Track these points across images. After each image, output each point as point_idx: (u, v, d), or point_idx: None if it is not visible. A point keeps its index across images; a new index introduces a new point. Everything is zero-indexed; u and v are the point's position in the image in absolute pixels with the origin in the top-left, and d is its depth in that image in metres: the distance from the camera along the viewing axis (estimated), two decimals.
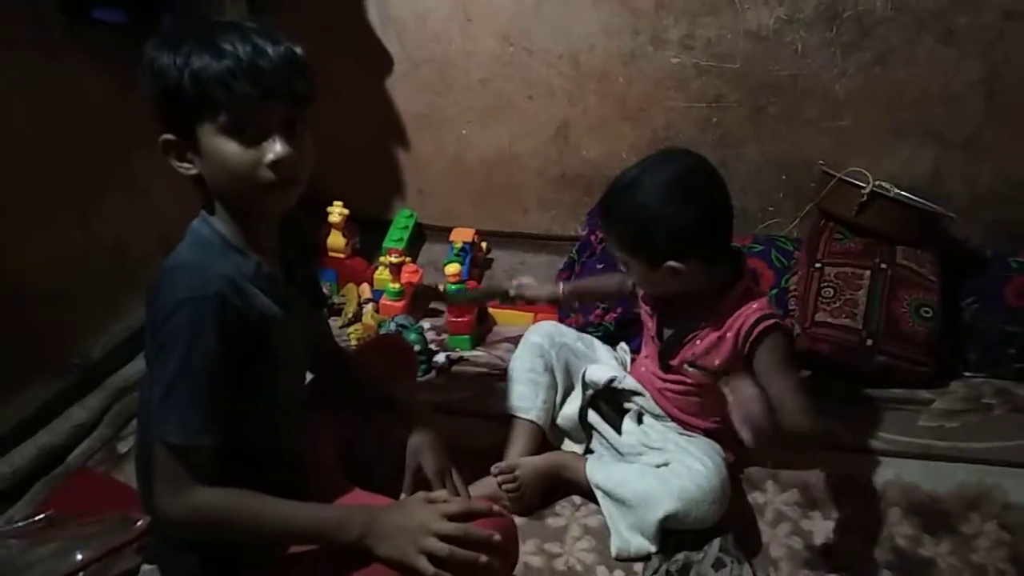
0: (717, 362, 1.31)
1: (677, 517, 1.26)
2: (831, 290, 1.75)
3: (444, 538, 0.94)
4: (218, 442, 0.95)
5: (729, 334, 1.29)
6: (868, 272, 1.75)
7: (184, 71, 0.91)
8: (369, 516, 0.98)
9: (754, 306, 1.29)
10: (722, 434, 1.36)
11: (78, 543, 1.07)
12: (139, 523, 1.09)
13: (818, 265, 1.79)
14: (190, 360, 0.91)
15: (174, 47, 0.92)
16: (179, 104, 0.92)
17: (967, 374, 1.77)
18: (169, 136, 0.96)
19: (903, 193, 1.86)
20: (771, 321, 1.27)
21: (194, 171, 0.97)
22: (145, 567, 1.21)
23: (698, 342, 1.33)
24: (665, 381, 1.41)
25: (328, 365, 1.31)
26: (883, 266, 1.75)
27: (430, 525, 0.95)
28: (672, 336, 1.37)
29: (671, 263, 1.24)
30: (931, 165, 1.96)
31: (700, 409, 1.38)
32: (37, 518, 1.17)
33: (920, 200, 1.85)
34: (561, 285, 1.56)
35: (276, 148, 0.93)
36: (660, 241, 1.24)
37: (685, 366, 1.34)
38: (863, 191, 1.77)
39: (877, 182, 1.80)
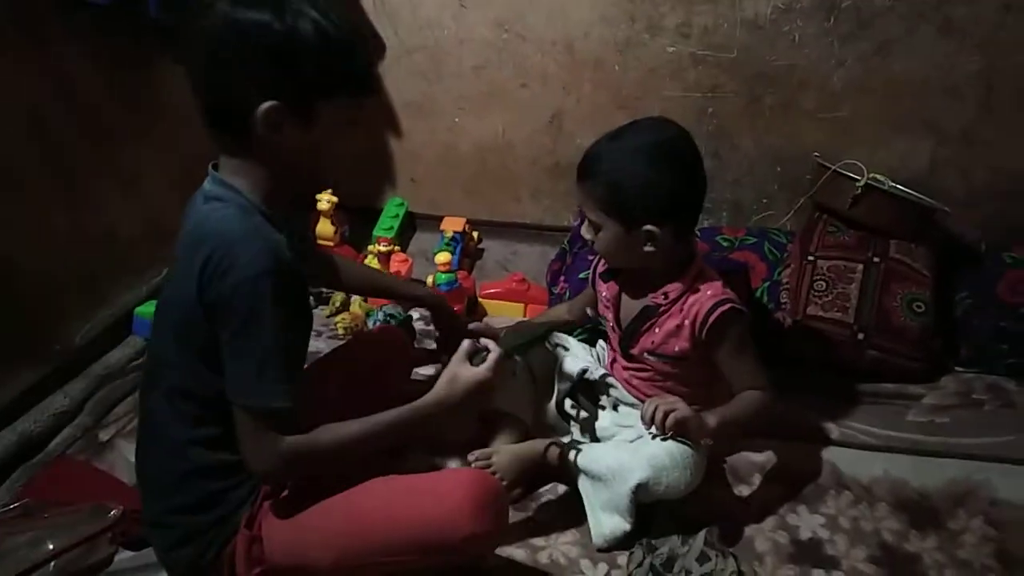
0: (676, 349, 1.32)
1: (648, 486, 1.25)
2: (823, 283, 1.73)
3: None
4: (298, 398, 0.99)
5: (687, 321, 1.30)
6: (861, 266, 1.73)
7: (332, 36, 0.94)
8: (435, 405, 1.10)
9: (708, 292, 1.29)
10: None
11: (51, 532, 1.07)
12: (112, 513, 1.09)
13: (811, 258, 1.78)
14: (279, 329, 0.95)
15: (313, 8, 0.94)
16: (318, 70, 0.95)
17: (959, 369, 1.75)
18: (277, 104, 0.94)
19: (898, 186, 1.84)
20: (726, 306, 1.27)
21: (271, 142, 0.97)
22: (123, 554, 1.21)
23: (656, 330, 1.33)
24: (628, 369, 1.42)
25: (334, 268, 1.39)
26: (876, 260, 1.73)
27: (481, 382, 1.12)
28: (631, 324, 1.37)
29: (649, 226, 1.24)
30: (928, 158, 1.94)
31: (665, 392, 1.37)
32: (12, 506, 1.17)
33: (915, 193, 1.84)
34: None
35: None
36: (643, 200, 1.23)
37: (645, 355, 1.34)
38: (857, 184, 1.75)
39: (872, 175, 1.79)
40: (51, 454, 1.45)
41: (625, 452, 1.30)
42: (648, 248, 1.26)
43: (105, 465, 1.44)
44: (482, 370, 1.12)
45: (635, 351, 1.38)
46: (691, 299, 1.30)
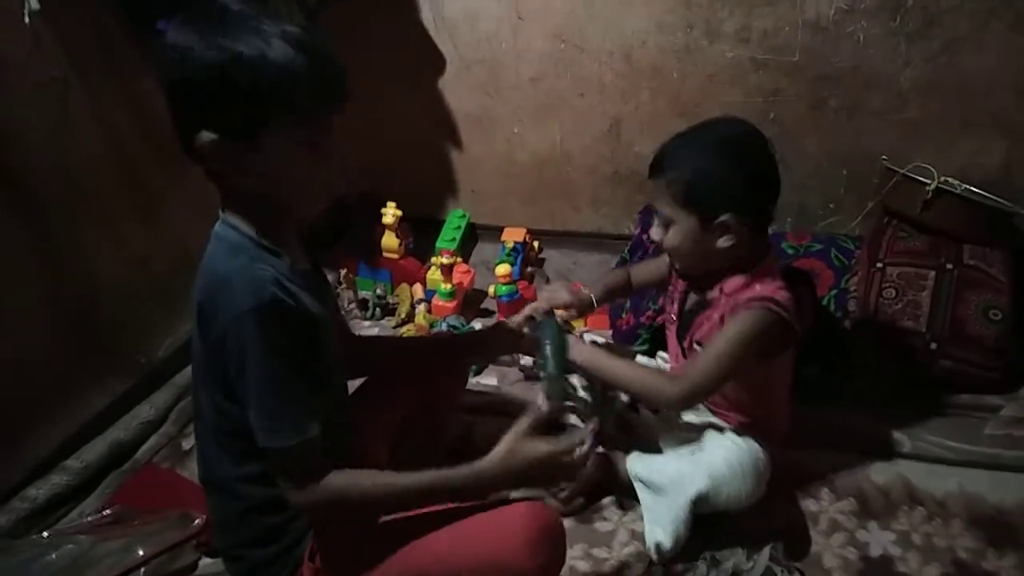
0: None
1: (708, 497, 1.25)
2: (893, 291, 1.69)
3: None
4: (311, 434, 0.96)
5: (727, 312, 1.26)
6: (933, 272, 1.68)
7: (268, 64, 0.86)
8: (489, 475, 1.03)
9: (757, 287, 1.25)
10: (757, 426, 1.34)
11: (140, 539, 1.14)
12: (196, 521, 1.16)
13: (880, 265, 1.73)
14: (270, 365, 0.93)
15: (230, 33, 0.87)
16: (246, 103, 0.88)
17: None
18: (214, 137, 0.90)
19: (971, 188, 1.78)
20: (759, 303, 1.22)
21: (230, 177, 0.95)
22: (205, 560, 1.27)
23: (705, 322, 1.31)
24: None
25: (366, 348, 1.37)
26: (949, 266, 1.68)
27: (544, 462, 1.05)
28: (687, 315, 1.36)
29: (725, 218, 1.21)
30: (1002, 158, 1.86)
31: (726, 400, 1.35)
32: (104, 513, 1.25)
33: (989, 195, 1.77)
34: (591, 292, 1.49)
35: (343, 158, 0.96)
36: (722, 190, 1.21)
37: (695, 345, 1.33)
38: (928, 187, 1.70)
39: (943, 178, 1.73)
40: (139, 462, 1.54)
41: (684, 462, 1.30)
42: (724, 243, 1.24)
43: (187, 472, 1.52)
44: (549, 448, 1.05)
45: (686, 343, 1.36)
46: (741, 294, 1.26)
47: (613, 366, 1.30)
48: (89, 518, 1.25)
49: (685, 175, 1.22)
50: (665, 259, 1.46)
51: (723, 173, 1.21)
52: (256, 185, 0.95)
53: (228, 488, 1.06)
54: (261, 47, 0.87)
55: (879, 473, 1.46)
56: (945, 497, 1.41)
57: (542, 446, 1.05)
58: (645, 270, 1.55)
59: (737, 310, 1.24)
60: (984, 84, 1.80)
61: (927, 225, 1.74)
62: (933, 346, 1.61)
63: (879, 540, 1.33)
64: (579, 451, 1.08)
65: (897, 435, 1.53)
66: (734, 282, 1.28)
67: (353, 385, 1.30)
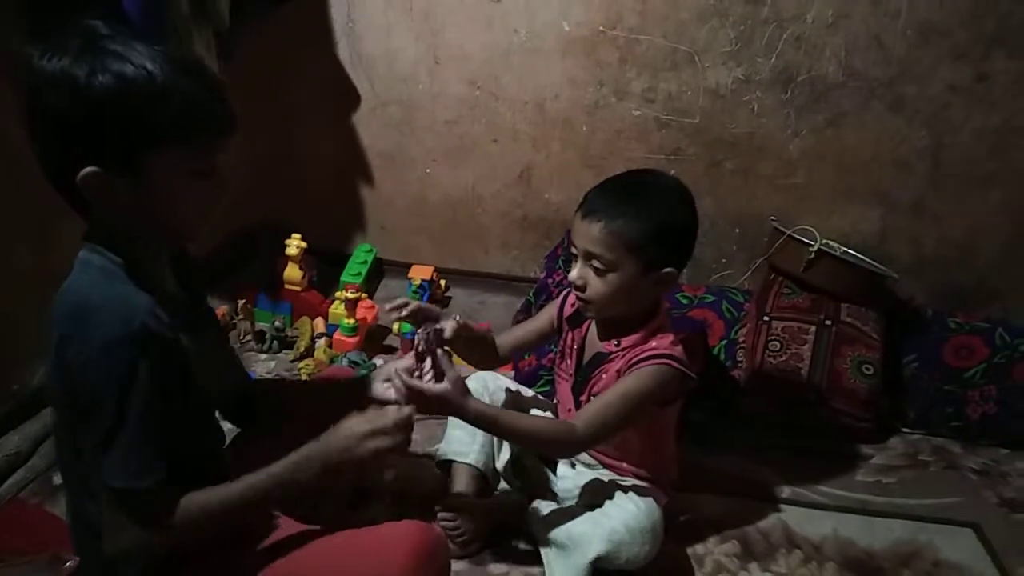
0: None
1: (608, 558, 1.26)
2: (777, 344, 1.79)
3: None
4: (162, 476, 0.91)
5: (624, 367, 1.29)
6: (813, 328, 1.80)
7: (140, 86, 0.84)
8: (320, 447, 0.99)
9: (653, 344, 1.29)
10: (652, 477, 1.38)
11: None
12: (68, 563, 1.08)
13: (766, 318, 1.84)
14: (126, 404, 0.87)
15: (107, 60, 0.83)
16: (128, 132, 0.86)
17: (905, 430, 1.82)
18: (96, 170, 0.86)
19: (850, 252, 1.93)
20: (661, 360, 1.26)
21: (107, 208, 0.90)
22: None
23: (603, 376, 1.34)
24: None
25: (255, 392, 1.29)
26: (828, 322, 1.80)
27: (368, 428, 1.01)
28: (582, 371, 1.38)
29: (669, 269, 1.25)
30: (878, 226, 2.03)
31: (618, 449, 1.39)
32: None
33: (866, 259, 1.92)
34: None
35: (226, 187, 0.93)
36: (670, 243, 1.24)
37: (592, 399, 1.35)
38: (811, 249, 1.83)
39: (825, 240, 1.86)
40: (2, 497, 1.43)
41: (585, 522, 1.29)
42: (654, 291, 1.28)
43: (58, 509, 1.41)
44: (366, 417, 1.02)
45: (583, 398, 1.37)
46: (638, 349, 1.29)
47: (510, 421, 1.24)
48: None
49: (640, 220, 1.21)
50: (543, 318, 1.48)
51: (684, 225, 1.26)
52: (133, 216, 0.92)
53: (94, 528, 0.97)
54: (139, 73, 0.84)
55: (761, 517, 1.52)
56: (821, 541, 1.48)
57: (359, 418, 1.02)
58: (520, 334, 1.52)
59: (636, 365, 1.27)
60: (864, 157, 1.96)
61: (809, 283, 1.87)
62: (812, 396, 1.71)
63: None
64: (397, 413, 1.03)
65: (777, 481, 1.62)
66: (631, 338, 1.31)
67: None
